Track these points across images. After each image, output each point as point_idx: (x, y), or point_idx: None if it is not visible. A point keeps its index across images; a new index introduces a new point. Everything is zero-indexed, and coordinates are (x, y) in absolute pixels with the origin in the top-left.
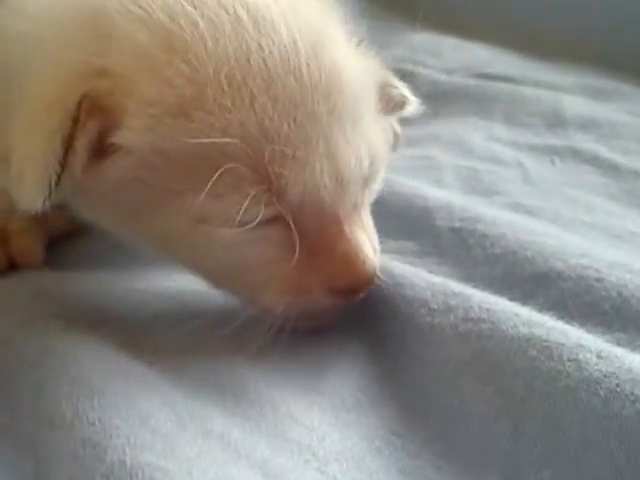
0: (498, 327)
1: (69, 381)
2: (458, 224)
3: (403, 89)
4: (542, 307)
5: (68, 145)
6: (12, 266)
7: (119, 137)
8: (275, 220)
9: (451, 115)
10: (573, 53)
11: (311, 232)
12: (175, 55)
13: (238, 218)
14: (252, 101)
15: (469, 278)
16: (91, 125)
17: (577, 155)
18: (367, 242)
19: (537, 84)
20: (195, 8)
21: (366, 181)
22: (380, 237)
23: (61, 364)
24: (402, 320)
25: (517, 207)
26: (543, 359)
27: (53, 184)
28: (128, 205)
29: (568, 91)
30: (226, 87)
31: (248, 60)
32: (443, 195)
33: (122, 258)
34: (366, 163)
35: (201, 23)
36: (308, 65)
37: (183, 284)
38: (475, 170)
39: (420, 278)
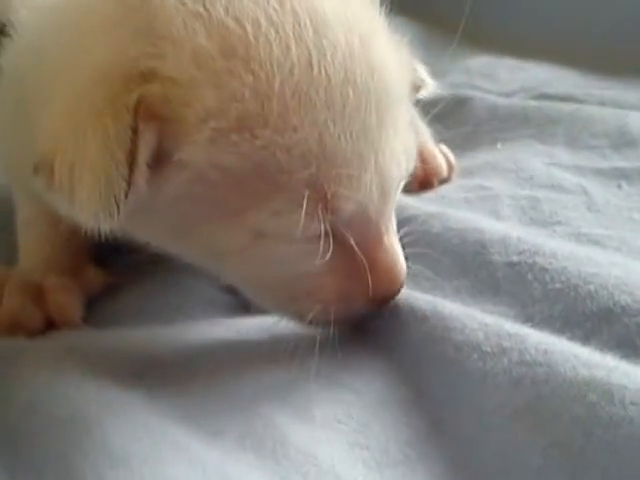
0: (555, 370)
1: (94, 447)
2: (515, 258)
3: (421, 72)
4: (606, 345)
5: (131, 158)
6: (50, 324)
7: (177, 150)
8: (326, 234)
9: (510, 140)
10: (637, 68)
11: (356, 244)
12: (238, 63)
13: (297, 235)
14: (315, 118)
15: (527, 316)
16: (150, 135)
17: None
18: (400, 249)
19: (601, 102)
20: (257, 6)
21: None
22: (433, 277)
23: (87, 429)
24: (451, 366)
25: (580, 237)
26: (604, 404)
27: (121, 201)
28: (180, 221)
29: (635, 107)
30: (290, 101)
31: (312, 69)
32: (500, 227)
33: (162, 312)
34: (404, 169)
35: (264, 24)
36: (361, 72)
37: (223, 334)
38: (535, 199)
39: (472, 318)
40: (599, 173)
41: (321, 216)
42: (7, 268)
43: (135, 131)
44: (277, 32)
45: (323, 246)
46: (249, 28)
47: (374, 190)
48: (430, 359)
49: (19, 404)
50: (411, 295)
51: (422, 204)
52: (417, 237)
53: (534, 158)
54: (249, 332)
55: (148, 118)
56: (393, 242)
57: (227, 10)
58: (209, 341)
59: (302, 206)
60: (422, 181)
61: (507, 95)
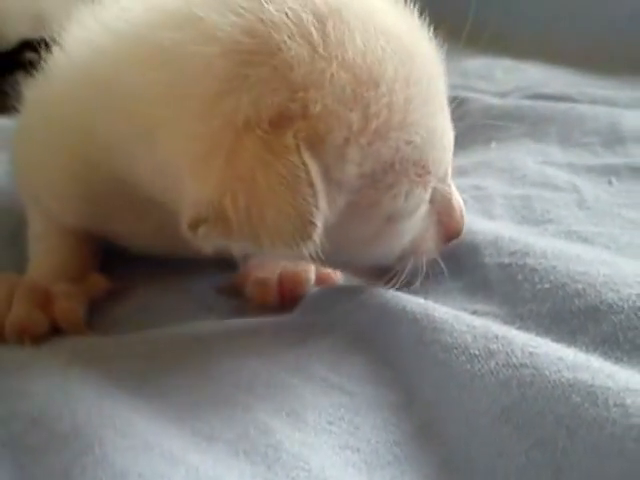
0: (541, 372)
1: (94, 463)
2: (507, 260)
3: None
4: (592, 342)
5: (313, 187)
6: (55, 329)
7: (331, 170)
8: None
9: (504, 140)
10: (630, 67)
11: (439, 199)
12: (371, 89)
13: (419, 211)
14: (422, 113)
15: (516, 315)
16: (314, 164)
17: (636, 173)
18: None
19: (594, 101)
20: (368, 40)
21: None
22: (429, 279)
23: (88, 445)
24: (441, 368)
25: (570, 235)
26: (587, 406)
27: (317, 226)
28: (333, 228)
29: (626, 106)
30: (406, 106)
31: (412, 78)
32: (492, 228)
33: (161, 317)
34: None
35: (379, 53)
36: (435, 69)
37: (220, 338)
38: (527, 198)
39: (460, 321)
40: (590, 170)
41: (429, 187)
42: (17, 276)
43: (305, 165)
44: (388, 57)
45: (428, 209)
46: (369, 59)
47: (449, 155)
48: (420, 361)
49: (22, 417)
50: (403, 297)
51: None
52: None
53: (527, 157)
54: (245, 335)
55: (307, 150)
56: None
57: (349, 49)
58: (206, 345)
59: (421, 184)
60: None
61: (502, 95)
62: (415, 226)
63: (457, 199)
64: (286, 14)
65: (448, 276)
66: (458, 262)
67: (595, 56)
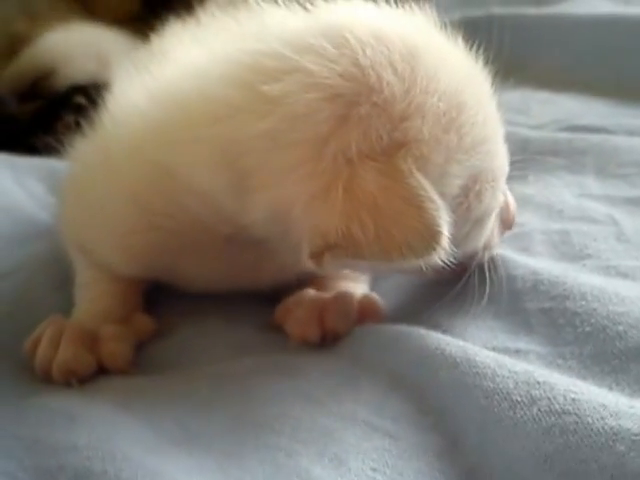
0: (583, 420)
1: None
2: (547, 304)
3: None
4: (635, 382)
5: (434, 202)
6: (102, 370)
7: (441, 187)
8: None
9: (541, 173)
10: None
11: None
12: (460, 112)
13: (496, 210)
14: (494, 131)
15: (559, 356)
16: (429, 185)
17: None
18: None
19: (629, 132)
20: (448, 75)
21: None
22: (469, 321)
23: None
24: (483, 413)
25: (609, 270)
26: (633, 455)
27: (443, 234)
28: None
29: None
30: (487, 124)
31: (485, 103)
32: (530, 271)
33: (203, 357)
34: None
35: (462, 82)
36: (487, 86)
37: (262, 376)
38: (565, 233)
39: (502, 366)
40: (628, 202)
41: (501, 189)
42: (63, 319)
43: (421, 184)
44: (468, 85)
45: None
46: (456, 88)
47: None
48: (462, 406)
49: (68, 471)
50: (442, 339)
51: None
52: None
53: (565, 190)
54: (287, 377)
55: (418, 171)
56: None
57: (443, 82)
58: (247, 388)
59: (496, 187)
60: None
61: (538, 128)
62: (492, 224)
63: (510, 196)
64: (376, 57)
65: (490, 316)
66: (499, 307)
67: (630, 87)
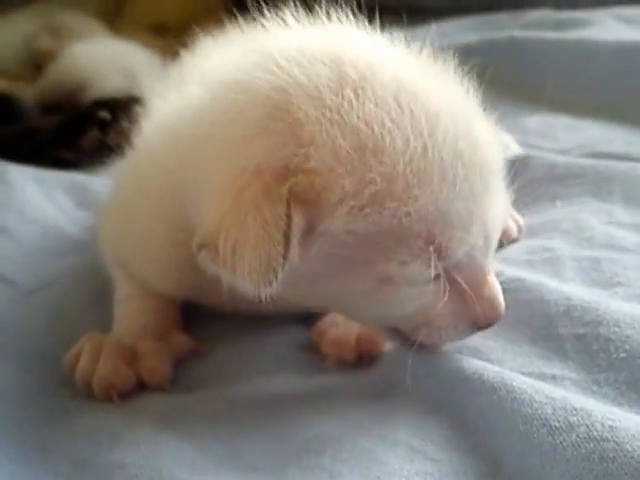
0: (622, 447)
1: None
2: (581, 330)
3: (505, 138)
4: None
5: (287, 239)
6: (141, 386)
7: (320, 224)
8: (438, 276)
9: (569, 198)
10: None
11: (465, 282)
12: (370, 155)
13: (419, 279)
14: (432, 189)
15: (594, 382)
16: (299, 218)
17: None
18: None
19: None
20: (382, 110)
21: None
22: (504, 345)
23: None
24: (523, 439)
25: None
26: None
27: (279, 273)
28: (319, 277)
29: None
30: (412, 179)
31: (427, 153)
32: (563, 297)
33: (241, 375)
34: (502, 222)
35: (388, 124)
36: (467, 150)
37: (303, 398)
38: (596, 260)
39: (539, 392)
40: None
41: (436, 263)
42: (102, 335)
43: (289, 217)
44: (398, 128)
45: (437, 285)
46: (376, 128)
47: (479, 241)
48: (502, 431)
49: None
50: (479, 365)
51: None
52: None
53: (593, 217)
54: (326, 398)
55: (297, 204)
56: (494, 279)
57: (358, 116)
58: (286, 408)
59: (421, 257)
60: None
61: (563, 153)
62: (420, 297)
63: (491, 288)
64: (310, 77)
65: (525, 341)
66: (533, 333)
67: None
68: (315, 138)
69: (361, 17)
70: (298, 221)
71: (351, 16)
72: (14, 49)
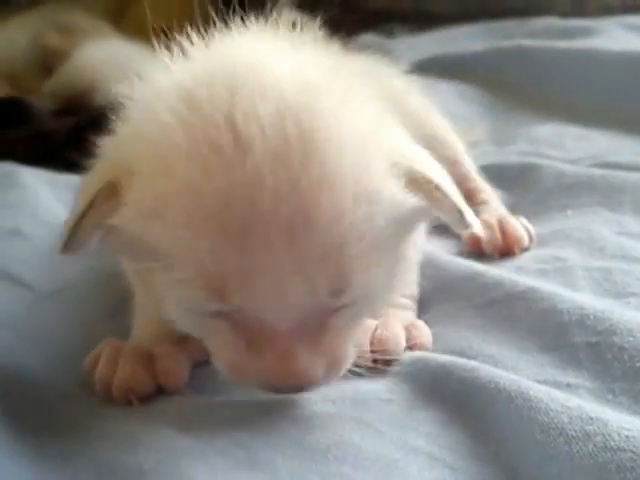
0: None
1: None
2: (595, 339)
3: (465, 212)
4: None
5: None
6: (159, 390)
7: (113, 220)
8: (220, 313)
9: (579, 207)
10: None
11: (253, 331)
12: (161, 167)
13: (190, 307)
14: (206, 222)
15: (609, 391)
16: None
17: None
18: (307, 358)
19: None
20: (187, 126)
21: (330, 307)
22: (519, 354)
23: None
24: (540, 447)
25: None
26: None
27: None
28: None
29: None
30: (188, 205)
31: (208, 183)
32: (576, 306)
33: None
34: (325, 292)
35: (185, 143)
36: (271, 197)
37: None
38: (607, 271)
39: (555, 401)
40: None
41: (214, 298)
42: (120, 341)
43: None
44: (191, 147)
45: (219, 321)
46: (172, 143)
47: (269, 300)
48: (518, 439)
49: None
50: (495, 373)
51: (503, 278)
52: (502, 321)
53: (604, 227)
54: (344, 404)
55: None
56: (295, 348)
57: (156, 127)
58: (305, 414)
59: (193, 284)
60: (503, 250)
61: (573, 163)
62: (195, 323)
63: (280, 361)
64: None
65: (538, 349)
66: (546, 341)
67: None
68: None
69: None
70: (102, 209)
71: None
72: (22, 50)
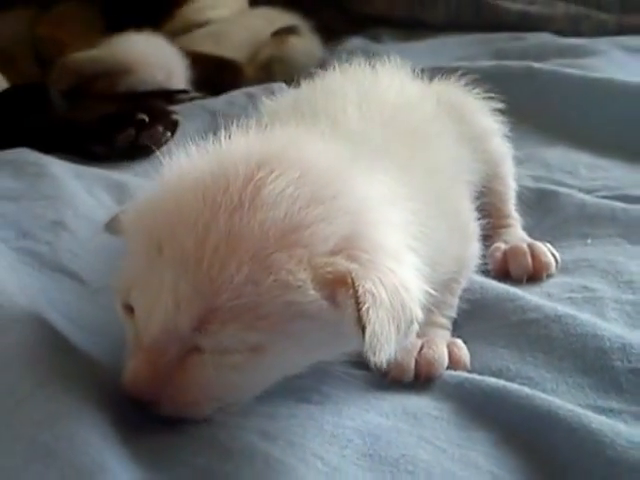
0: None
1: None
2: (638, 365)
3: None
4: None
5: None
6: None
7: None
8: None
9: (600, 237)
10: None
11: (137, 337)
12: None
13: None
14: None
15: None
16: None
17: None
18: (151, 377)
19: None
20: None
21: (191, 341)
22: (557, 375)
23: None
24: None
25: None
26: None
27: None
28: None
29: None
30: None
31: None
32: (616, 334)
33: (300, 393)
34: (187, 320)
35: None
36: (188, 235)
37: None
38: (638, 304)
39: (619, 435)
40: None
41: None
42: None
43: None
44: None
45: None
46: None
47: (143, 312)
48: (581, 470)
49: None
50: (552, 403)
51: (539, 301)
52: (539, 341)
53: (629, 260)
54: (400, 413)
55: None
56: (146, 363)
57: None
58: (365, 422)
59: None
60: (531, 274)
61: (589, 192)
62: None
63: (133, 370)
64: None
65: (577, 372)
66: (586, 363)
67: None
68: None
69: None
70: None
71: None
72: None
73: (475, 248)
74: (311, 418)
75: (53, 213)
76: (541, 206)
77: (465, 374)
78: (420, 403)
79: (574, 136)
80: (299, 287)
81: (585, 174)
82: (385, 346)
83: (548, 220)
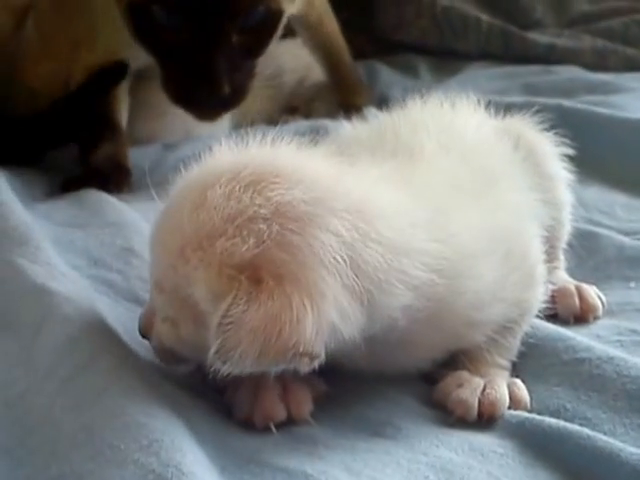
0: None
1: None
2: None
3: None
4: None
5: None
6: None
7: None
8: None
9: None
10: None
11: None
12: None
13: None
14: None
15: None
16: None
17: None
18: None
19: None
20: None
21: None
22: (612, 415)
23: None
24: None
25: None
26: None
27: None
28: None
29: None
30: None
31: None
32: None
33: (369, 426)
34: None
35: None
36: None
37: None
38: None
39: None
40: None
41: None
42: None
43: None
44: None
45: None
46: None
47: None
48: None
49: None
50: (615, 445)
51: (591, 342)
52: (592, 380)
53: None
54: (471, 457)
55: None
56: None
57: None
58: (430, 456)
59: None
60: (578, 316)
61: (628, 235)
62: None
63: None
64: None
65: (633, 412)
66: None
67: None
68: None
69: None
70: None
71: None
72: None
73: (539, 292)
74: (387, 453)
75: (121, 240)
76: (580, 247)
77: (525, 414)
78: (485, 440)
79: (608, 176)
80: (197, 284)
81: (622, 215)
82: (236, 362)
83: (589, 262)
